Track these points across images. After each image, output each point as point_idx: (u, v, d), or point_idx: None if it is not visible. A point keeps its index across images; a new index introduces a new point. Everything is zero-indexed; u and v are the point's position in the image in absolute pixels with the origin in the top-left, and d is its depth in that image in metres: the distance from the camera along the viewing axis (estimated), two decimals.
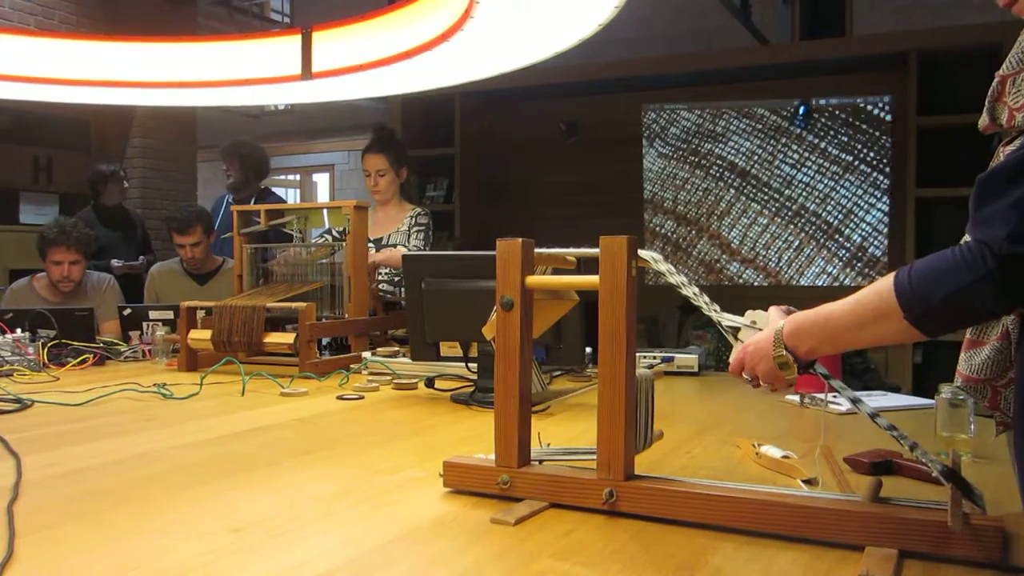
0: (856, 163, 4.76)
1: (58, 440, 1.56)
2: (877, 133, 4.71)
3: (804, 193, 4.89)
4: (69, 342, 2.65)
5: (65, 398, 1.97)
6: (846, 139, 4.78)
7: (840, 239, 4.82)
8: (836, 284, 4.82)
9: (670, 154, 5.22)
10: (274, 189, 5.08)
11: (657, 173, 5.26)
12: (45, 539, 0.99)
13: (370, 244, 2.93)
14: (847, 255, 4.81)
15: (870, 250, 4.76)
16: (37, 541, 0.98)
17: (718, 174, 5.10)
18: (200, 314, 2.58)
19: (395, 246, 3.16)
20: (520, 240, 1.14)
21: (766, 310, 1.12)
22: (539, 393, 1.95)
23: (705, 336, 4.59)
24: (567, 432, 1.63)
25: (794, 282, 4.93)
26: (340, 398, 2.03)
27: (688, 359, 2.44)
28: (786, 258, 4.96)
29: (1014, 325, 1.02)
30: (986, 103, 1.04)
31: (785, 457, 1.29)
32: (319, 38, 2.96)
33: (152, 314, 2.96)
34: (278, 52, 3.03)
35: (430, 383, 2.11)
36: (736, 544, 0.97)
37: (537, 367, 1.97)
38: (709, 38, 5.77)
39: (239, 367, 2.22)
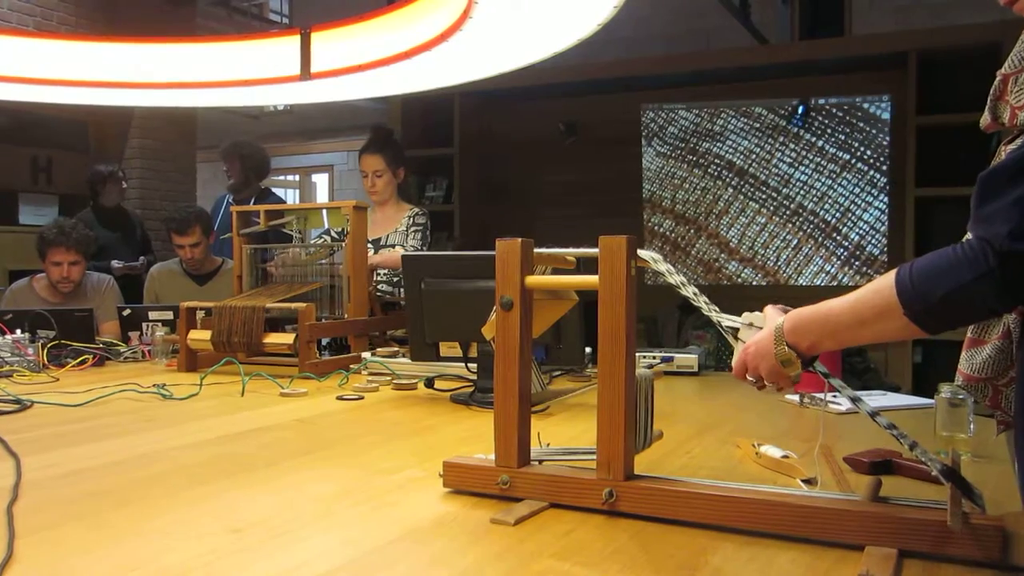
0: (853, 161, 4.77)
1: (58, 441, 1.56)
2: (874, 131, 4.72)
3: (802, 192, 4.89)
4: (69, 343, 2.65)
5: (65, 399, 1.96)
6: (843, 137, 4.78)
7: (838, 237, 4.82)
8: (834, 283, 4.82)
9: (669, 153, 5.22)
10: (273, 190, 5.08)
11: (656, 172, 5.27)
12: (45, 540, 0.99)
13: (368, 245, 2.93)
14: (845, 254, 4.81)
15: (868, 249, 4.76)
16: (37, 542, 0.98)
17: (716, 173, 5.10)
18: (200, 315, 2.58)
19: (393, 247, 3.16)
20: (519, 240, 1.14)
21: (762, 310, 1.12)
22: (539, 393, 1.95)
23: (705, 336, 4.59)
24: (567, 432, 1.63)
25: (792, 281, 4.94)
26: (340, 398, 2.03)
27: (688, 359, 2.44)
28: (784, 257, 4.96)
29: (1015, 324, 1.02)
30: (988, 101, 1.04)
31: (785, 457, 1.30)
32: (318, 38, 2.96)
33: (152, 315, 2.96)
34: (277, 52, 3.03)
35: (430, 383, 2.11)
36: (736, 544, 0.97)
37: (537, 367, 1.97)
38: (708, 38, 5.77)
39: (239, 367, 2.22)
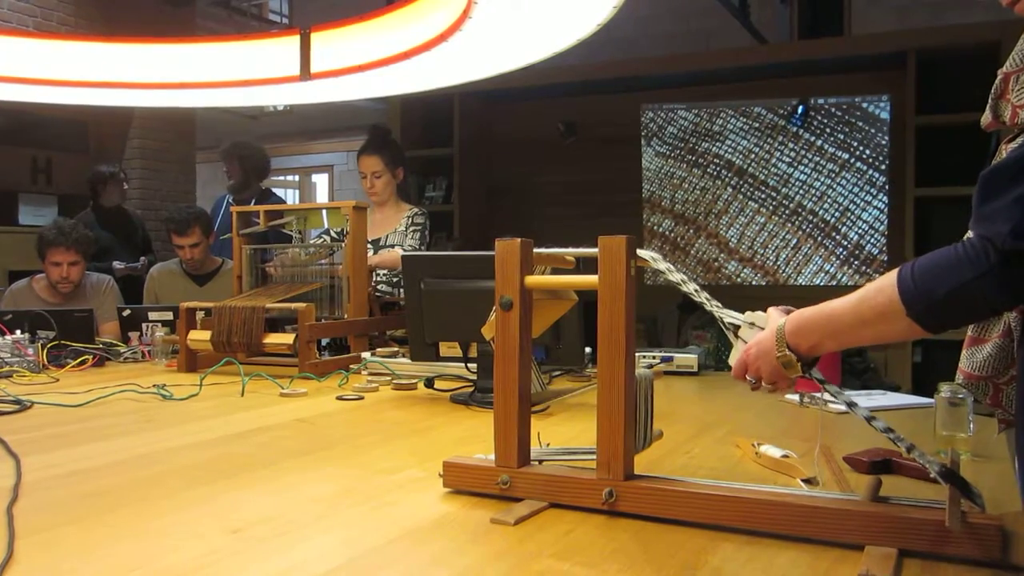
0: (853, 161, 4.77)
1: (58, 441, 1.56)
2: (873, 131, 4.72)
3: (801, 191, 4.89)
4: (68, 343, 2.65)
5: (65, 399, 1.96)
6: (843, 137, 4.78)
7: (837, 237, 4.83)
8: (834, 283, 4.82)
9: (668, 153, 5.22)
10: (274, 190, 5.08)
11: (655, 172, 5.27)
12: (45, 540, 0.99)
13: (368, 245, 2.93)
14: (844, 253, 4.82)
15: (867, 248, 4.77)
16: (37, 542, 0.98)
17: (716, 173, 5.10)
18: (199, 315, 2.58)
19: (393, 247, 3.15)
20: (519, 240, 1.14)
21: (764, 311, 1.12)
22: (538, 393, 1.95)
23: (704, 336, 4.60)
24: (567, 432, 1.63)
25: (792, 281, 4.94)
26: (339, 399, 2.03)
27: (687, 359, 2.44)
28: (784, 256, 4.96)
29: (1016, 322, 1.02)
30: (989, 100, 1.04)
31: (784, 456, 1.29)
32: (318, 39, 2.96)
33: (151, 315, 2.95)
34: (277, 53, 3.03)
35: (429, 383, 2.10)
36: (736, 544, 0.97)
37: (536, 367, 1.96)
38: (707, 38, 5.77)
39: (238, 368, 2.22)
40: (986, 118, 1.05)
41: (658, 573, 0.89)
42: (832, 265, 4.85)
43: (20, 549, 0.96)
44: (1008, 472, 1.25)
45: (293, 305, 2.42)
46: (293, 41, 2.98)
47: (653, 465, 1.30)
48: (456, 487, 1.18)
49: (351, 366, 2.42)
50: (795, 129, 4.88)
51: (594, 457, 1.09)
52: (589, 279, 1.10)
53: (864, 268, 4.77)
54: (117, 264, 4.30)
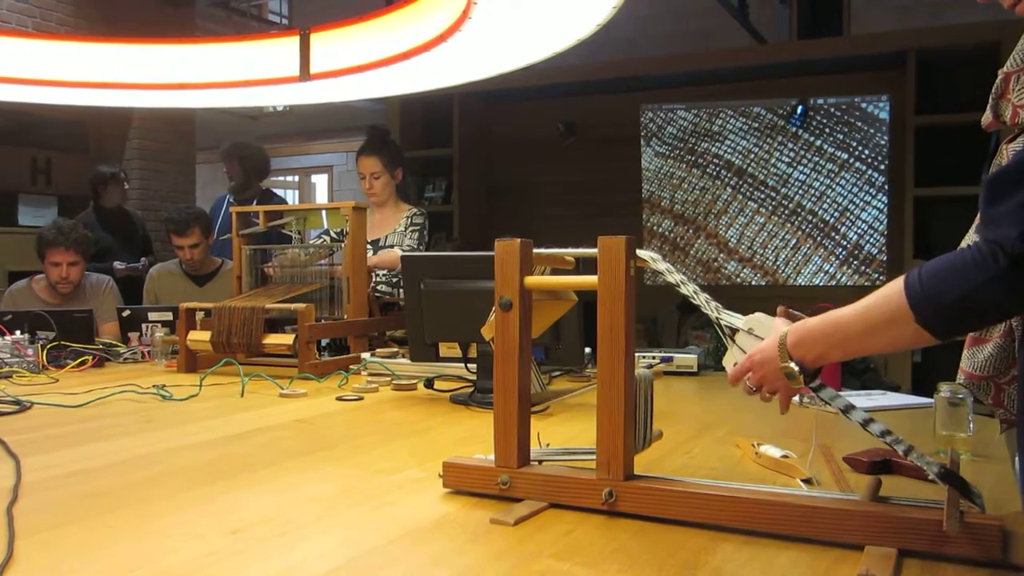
0: (852, 161, 4.77)
1: (58, 442, 1.56)
2: (873, 131, 4.72)
3: (801, 191, 4.89)
4: (68, 344, 2.65)
5: (64, 400, 1.96)
6: (842, 137, 4.78)
7: (836, 237, 4.83)
8: (833, 283, 4.82)
9: (668, 153, 5.22)
10: (273, 190, 5.08)
11: (655, 172, 5.27)
12: (45, 541, 0.99)
13: (367, 246, 2.93)
14: (844, 253, 4.82)
15: (867, 248, 4.77)
16: (37, 543, 0.98)
17: (715, 173, 5.10)
18: (199, 315, 2.58)
19: (392, 247, 3.15)
20: (518, 240, 1.14)
21: (764, 311, 1.11)
22: (538, 393, 1.95)
23: (704, 336, 4.60)
24: (566, 432, 1.63)
25: (791, 280, 4.94)
26: (339, 399, 2.03)
27: (687, 359, 2.44)
28: (783, 256, 4.97)
29: (1017, 323, 1.02)
30: (990, 100, 1.04)
31: (784, 456, 1.29)
32: (317, 39, 2.96)
33: (151, 315, 2.95)
34: (276, 53, 3.03)
35: (429, 384, 2.10)
36: (736, 544, 0.97)
37: (536, 367, 1.96)
38: (707, 38, 5.77)
39: (238, 368, 2.22)
40: (987, 118, 1.05)
41: (658, 573, 0.89)
42: (831, 265, 4.85)
43: (20, 549, 0.96)
44: (1008, 472, 1.25)
45: (293, 306, 2.42)
46: (293, 42, 2.98)
47: (653, 465, 1.30)
48: (456, 487, 1.18)
49: (351, 366, 2.42)
50: (794, 129, 4.88)
51: (594, 457, 1.09)
52: (589, 279, 1.10)
53: (863, 268, 4.77)
54: (118, 265, 4.30)
